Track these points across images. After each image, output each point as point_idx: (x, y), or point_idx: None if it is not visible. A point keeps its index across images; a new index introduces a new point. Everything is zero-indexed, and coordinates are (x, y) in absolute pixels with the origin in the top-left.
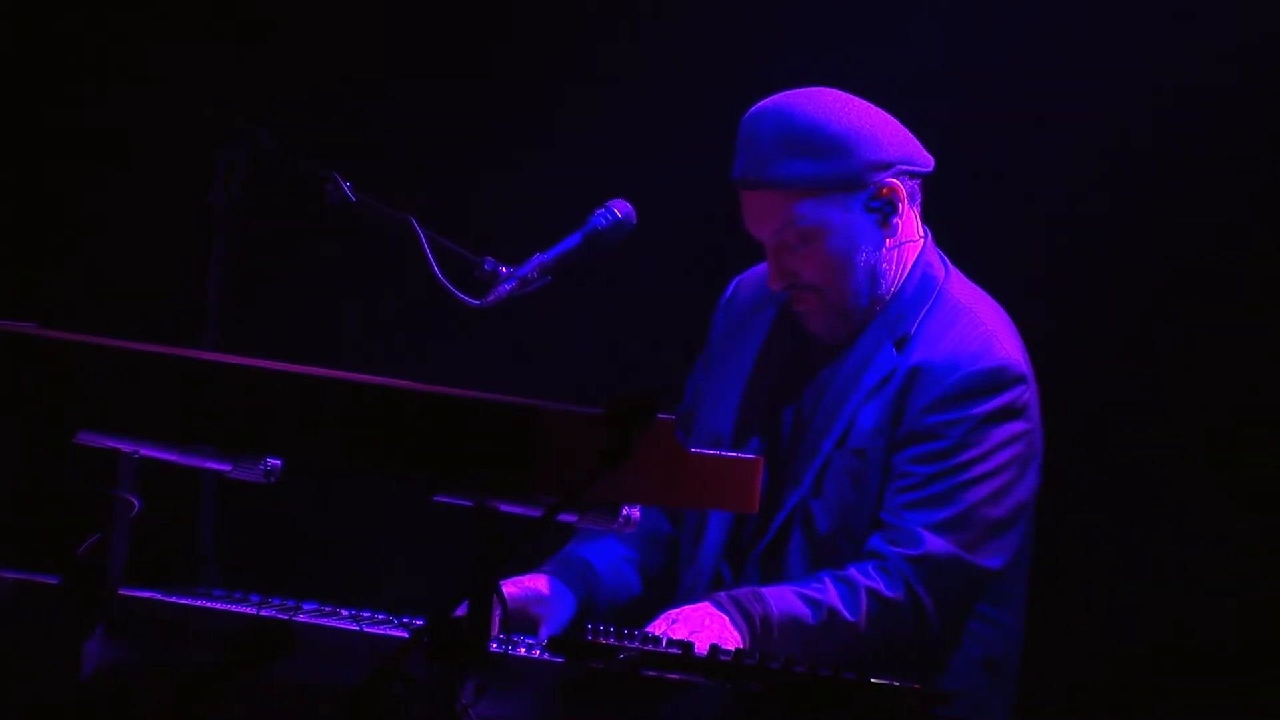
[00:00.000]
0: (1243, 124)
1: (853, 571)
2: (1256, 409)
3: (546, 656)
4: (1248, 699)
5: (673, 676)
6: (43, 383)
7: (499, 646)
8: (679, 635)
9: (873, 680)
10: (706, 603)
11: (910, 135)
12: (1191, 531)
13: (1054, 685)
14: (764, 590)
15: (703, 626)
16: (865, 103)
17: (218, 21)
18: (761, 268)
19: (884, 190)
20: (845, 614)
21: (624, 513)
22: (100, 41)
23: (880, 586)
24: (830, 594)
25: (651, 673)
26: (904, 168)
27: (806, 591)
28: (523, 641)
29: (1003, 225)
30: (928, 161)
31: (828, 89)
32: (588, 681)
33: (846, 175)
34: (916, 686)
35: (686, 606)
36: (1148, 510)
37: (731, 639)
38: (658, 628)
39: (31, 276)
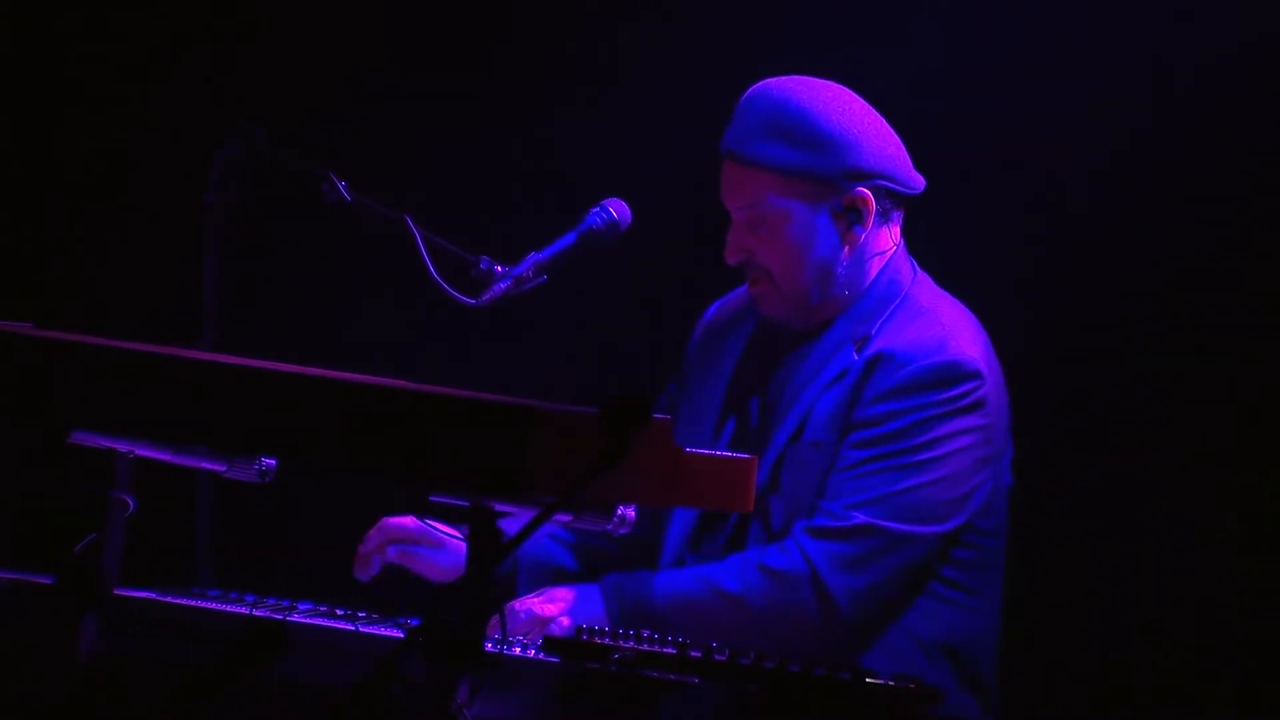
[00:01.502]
0: (1243, 124)
1: (752, 550)
2: (1246, 407)
3: (542, 656)
4: (1233, 696)
5: (668, 676)
6: (38, 383)
7: (494, 646)
8: (546, 611)
9: (867, 680)
10: (595, 583)
11: (903, 153)
12: (1179, 530)
13: (1039, 684)
14: (659, 573)
15: (568, 605)
16: (869, 110)
17: (214, 21)
18: (740, 290)
19: (854, 199)
20: (726, 585)
21: (619, 512)
22: (97, 41)
23: (769, 559)
24: (717, 569)
25: (647, 673)
26: (883, 183)
27: (700, 570)
28: (518, 641)
29: (1000, 225)
30: (914, 183)
31: (837, 85)
32: (583, 681)
33: (819, 173)
34: (911, 686)
35: (572, 585)
36: (1135, 510)
37: (596, 618)
38: (528, 602)
39: (27, 276)
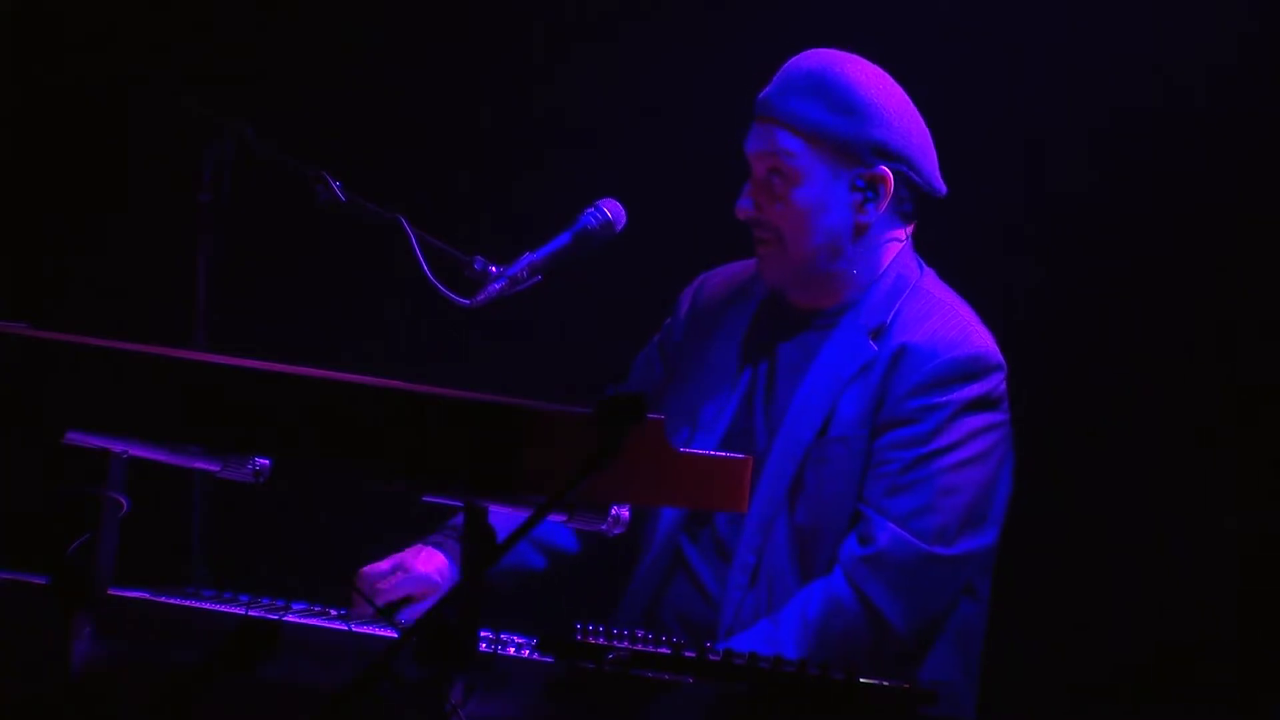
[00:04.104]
0: (1244, 121)
1: (812, 598)
2: (1245, 408)
3: (536, 656)
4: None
5: (662, 677)
6: (33, 383)
7: (488, 646)
8: None
9: (861, 680)
10: None
11: (932, 153)
12: (1176, 531)
13: (1027, 685)
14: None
15: None
16: (909, 102)
17: (209, 19)
18: (729, 267)
19: (875, 176)
20: (789, 655)
21: (613, 512)
22: (91, 40)
23: (832, 616)
24: (783, 637)
25: (641, 673)
26: (905, 169)
27: (759, 648)
28: (511, 641)
29: (993, 224)
30: (936, 183)
31: (884, 72)
32: (578, 682)
33: (847, 139)
34: (905, 686)
35: None
36: (1123, 507)
37: None
38: None
39: (21, 276)
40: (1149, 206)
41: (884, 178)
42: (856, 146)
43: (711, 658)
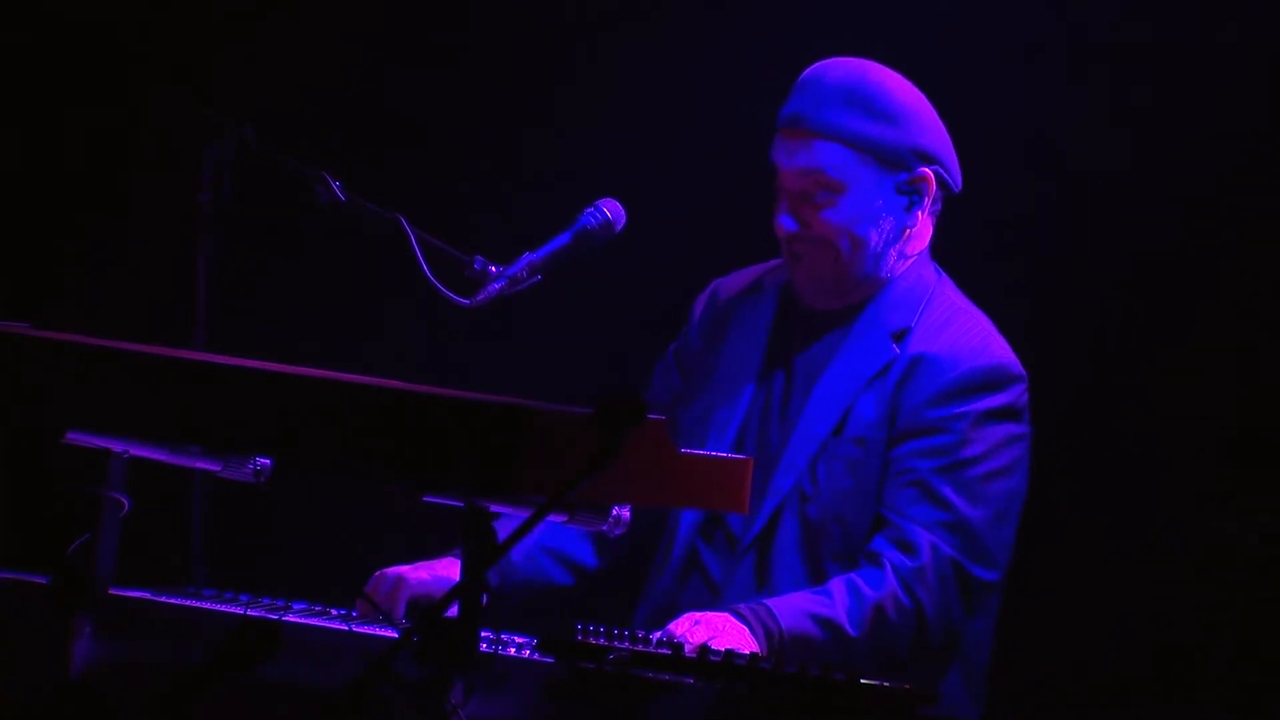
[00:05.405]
0: (1237, 118)
1: (861, 583)
2: (1246, 412)
3: (536, 656)
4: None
5: (663, 677)
6: (34, 383)
7: (488, 646)
8: (699, 639)
9: (862, 680)
10: (726, 612)
11: (953, 149)
12: (1166, 530)
13: (1028, 687)
14: (773, 604)
15: (722, 632)
16: (929, 102)
17: (208, 19)
18: (741, 273)
19: (917, 179)
20: (848, 630)
21: (614, 513)
22: (91, 40)
23: (888, 603)
24: (838, 608)
25: (641, 673)
26: (940, 170)
27: (815, 610)
28: (512, 641)
29: (992, 222)
30: (958, 180)
31: (902, 75)
32: (578, 682)
33: (892, 147)
34: (906, 686)
35: (709, 612)
36: (1124, 508)
37: (749, 647)
38: (679, 627)
39: (21, 276)
40: (1150, 208)
41: (926, 179)
42: (901, 152)
43: (712, 658)
